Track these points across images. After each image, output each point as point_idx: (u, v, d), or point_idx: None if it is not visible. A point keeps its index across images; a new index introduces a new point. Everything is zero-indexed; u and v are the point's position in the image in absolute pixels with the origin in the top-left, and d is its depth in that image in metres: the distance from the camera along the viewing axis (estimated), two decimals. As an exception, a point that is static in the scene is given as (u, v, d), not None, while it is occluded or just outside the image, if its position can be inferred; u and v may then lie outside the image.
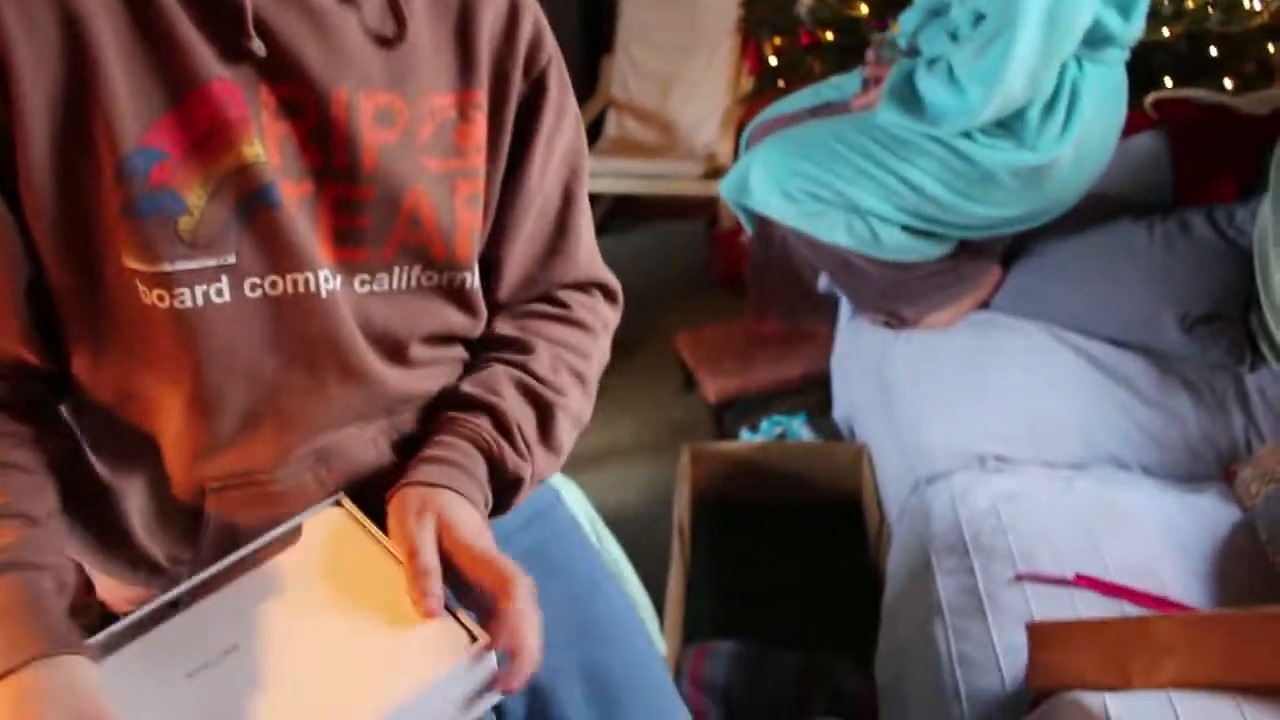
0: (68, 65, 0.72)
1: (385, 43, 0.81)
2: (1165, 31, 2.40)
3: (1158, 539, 1.43)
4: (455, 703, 0.72)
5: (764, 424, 2.27)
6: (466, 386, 0.90)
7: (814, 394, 2.48)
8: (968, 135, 1.80)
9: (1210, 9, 2.48)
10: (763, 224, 2.31)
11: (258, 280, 0.78)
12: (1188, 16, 2.46)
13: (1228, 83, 2.50)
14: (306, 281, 0.79)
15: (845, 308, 2.21)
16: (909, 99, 1.84)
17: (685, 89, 3.54)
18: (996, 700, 1.24)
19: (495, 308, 0.95)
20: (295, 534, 0.81)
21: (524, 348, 0.93)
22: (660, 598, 1.72)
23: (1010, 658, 1.26)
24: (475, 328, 0.93)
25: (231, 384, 0.81)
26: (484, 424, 0.87)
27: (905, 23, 2.00)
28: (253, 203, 0.77)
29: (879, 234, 1.90)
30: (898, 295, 1.95)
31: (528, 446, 0.88)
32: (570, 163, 0.95)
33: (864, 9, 2.77)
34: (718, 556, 1.97)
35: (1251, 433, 1.65)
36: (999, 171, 1.83)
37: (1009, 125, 1.79)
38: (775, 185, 1.94)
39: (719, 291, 3.10)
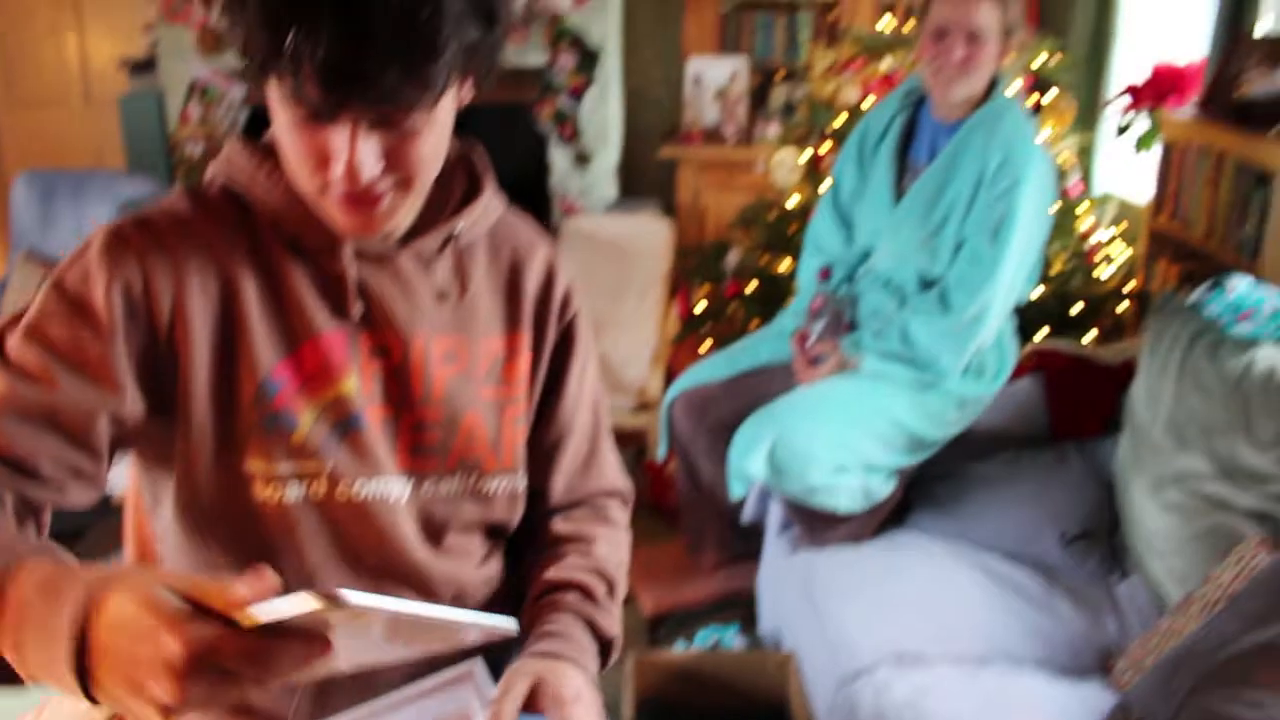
0: (223, 315, 0.96)
1: (452, 299, 1.05)
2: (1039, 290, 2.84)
3: (1050, 723, 1.65)
4: None
5: (701, 633, 2.45)
6: (551, 574, 1.10)
7: (738, 609, 2.67)
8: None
9: (1072, 276, 2.93)
10: (689, 466, 2.56)
11: (346, 485, 1.00)
12: (1054, 280, 2.90)
13: (1093, 332, 2.91)
14: (381, 487, 1.02)
15: (770, 533, 2.46)
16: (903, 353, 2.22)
17: (617, 329, 3.89)
18: None
19: (547, 513, 1.17)
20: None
21: (584, 539, 1.15)
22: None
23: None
24: (513, 522, 1.14)
25: (311, 568, 1.00)
26: (573, 597, 1.07)
27: (810, 284, 2.40)
28: (346, 426, 1.00)
29: (870, 488, 2.20)
30: (838, 524, 2.24)
31: (609, 611, 1.09)
32: (597, 393, 1.19)
33: (783, 266, 3.17)
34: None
35: (1122, 633, 1.90)
36: (970, 401, 2.25)
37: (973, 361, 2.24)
38: (814, 462, 2.14)
39: (649, 517, 3.29)
